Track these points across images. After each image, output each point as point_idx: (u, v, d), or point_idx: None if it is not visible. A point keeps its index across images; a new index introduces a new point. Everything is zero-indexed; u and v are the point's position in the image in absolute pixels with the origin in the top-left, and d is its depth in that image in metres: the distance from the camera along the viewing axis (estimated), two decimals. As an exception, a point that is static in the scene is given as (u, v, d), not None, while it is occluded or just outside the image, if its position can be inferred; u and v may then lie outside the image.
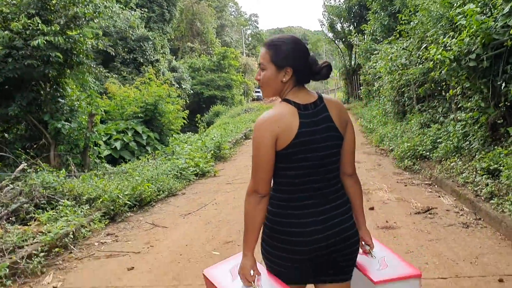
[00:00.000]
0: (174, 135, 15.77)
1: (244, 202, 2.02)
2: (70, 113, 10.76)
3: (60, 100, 10.73)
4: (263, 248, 2.10)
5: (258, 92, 58.47)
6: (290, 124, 1.94)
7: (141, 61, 27.32)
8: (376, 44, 17.63)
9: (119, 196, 6.62)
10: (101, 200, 6.45)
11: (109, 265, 4.68)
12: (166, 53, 33.43)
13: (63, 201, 6.11)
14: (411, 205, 6.13)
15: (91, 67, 11.03)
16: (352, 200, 2.16)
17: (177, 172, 8.93)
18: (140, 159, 13.04)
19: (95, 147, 11.42)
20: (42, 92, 10.54)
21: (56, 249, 5.06)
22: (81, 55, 10.39)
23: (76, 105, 10.95)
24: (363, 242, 2.24)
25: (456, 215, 5.56)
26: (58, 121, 10.28)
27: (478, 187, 5.92)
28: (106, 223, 6.15)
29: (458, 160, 7.35)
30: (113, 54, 25.30)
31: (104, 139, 13.76)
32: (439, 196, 6.49)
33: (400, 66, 11.61)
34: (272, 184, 2.03)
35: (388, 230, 5.17)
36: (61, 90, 10.84)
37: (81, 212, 6.09)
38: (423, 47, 8.54)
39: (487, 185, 5.81)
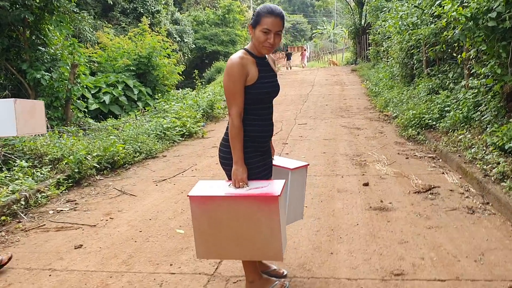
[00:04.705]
0: (168, 91, 15.00)
1: None
2: (51, 62, 10.00)
3: (41, 48, 9.96)
4: None
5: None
6: None
7: (141, 11, 26.14)
8: (387, 1, 16.49)
9: (87, 157, 5.96)
10: (65, 161, 5.79)
11: (56, 240, 4.07)
12: (170, 4, 32.11)
13: (19, 161, 5.45)
14: (411, 182, 5.45)
15: (74, 13, 10.14)
16: None
17: (160, 132, 8.25)
18: (130, 115, 12.40)
19: (78, 100, 10.69)
20: (21, 38, 9.75)
21: (2, 218, 4.46)
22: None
23: (59, 54, 10.18)
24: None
25: (461, 197, 4.87)
26: (38, 70, 9.56)
27: (488, 166, 5.20)
28: (64, 188, 5.50)
29: (467, 132, 6.60)
30: (112, 2, 24.45)
31: (92, 92, 13.05)
32: (443, 173, 5.79)
33: (410, 26, 10.66)
34: None
35: (382, 212, 4.50)
36: (42, 37, 10.04)
37: (41, 174, 5.46)
38: (436, 3, 7.62)
39: (498, 163, 5.09)
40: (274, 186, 2.65)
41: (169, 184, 5.78)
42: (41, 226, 4.41)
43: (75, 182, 5.77)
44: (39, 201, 4.99)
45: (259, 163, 2.80)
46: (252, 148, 2.76)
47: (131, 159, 6.80)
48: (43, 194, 5.09)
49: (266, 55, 2.80)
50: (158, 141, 7.94)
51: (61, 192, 5.37)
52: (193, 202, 2.67)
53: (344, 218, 4.38)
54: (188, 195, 2.69)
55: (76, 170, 5.74)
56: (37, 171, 5.51)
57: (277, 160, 3.24)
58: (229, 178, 2.77)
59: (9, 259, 3.54)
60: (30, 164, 5.69)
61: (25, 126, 3.15)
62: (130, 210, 4.83)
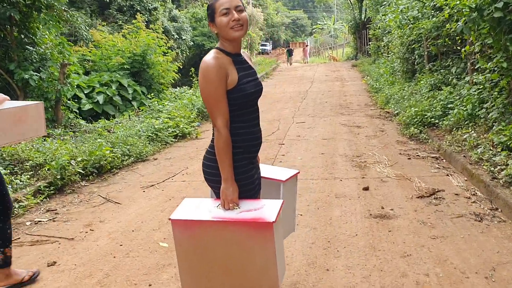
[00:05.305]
0: (164, 90, 14.66)
1: None
2: (40, 62, 9.66)
3: (29, 47, 9.62)
4: None
5: (264, 45, 56.53)
6: None
7: (138, 8, 25.77)
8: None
9: (70, 162, 5.64)
10: (47, 167, 5.48)
11: (29, 257, 3.75)
12: (167, 1, 31.71)
13: (-4, 168, 5.13)
14: (414, 185, 5.12)
15: (64, 10, 9.80)
16: None
17: (152, 133, 7.91)
18: (124, 115, 12.08)
19: (69, 101, 10.35)
20: (8, 37, 9.41)
21: (-26, 231, 4.13)
22: (50, -4, 9.19)
23: (48, 53, 9.84)
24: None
25: (467, 202, 4.54)
26: (26, 71, 9.21)
27: (495, 168, 4.88)
28: (45, 196, 5.16)
29: (472, 131, 6.27)
30: (108, 0, 24.11)
31: (86, 91, 12.70)
32: (448, 175, 5.46)
33: (411, 20, 10.30)
34: None
35: (383, 220, 4.18)
36: (30, 36, 9.70)
37: (20, 182, 5.14)
38: (438, -5, 7.27)
39: (507, 165, 4.77)
40: (269, 209, 2.29)
41: (157, 190, 5.45)
42: (15, 239, 4.09)
43: (58, 189, 5.44)
44: (15, 212, 4.66)
45: (253, 178, 2.43)
46: (247, 161, 2.38)
47: (119, 163, 6.46)
48: (20, 204, 4.76)
49: (242, 53, 2.43)
50: (149, 143, 7.60)
51: (41, 201, 5.05)
52: (176, 226, 2.32)
53: (342, 227, 4.05)
54: (169, 219, 2.33)
55: (59, 177, 5.41)
56: (16, 179, 5.19)
57: (263, 171, 2.89)
58: (217, 197, 2.41)
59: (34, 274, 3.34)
60: (10, 170, 5.38)
61: (7, 135, 2.87)
62: (113, 220, 4.50)
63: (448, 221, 4.07)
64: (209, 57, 2.25)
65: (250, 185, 2.40)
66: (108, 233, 4.17)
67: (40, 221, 4.56)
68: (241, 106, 2.32)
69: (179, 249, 2.35)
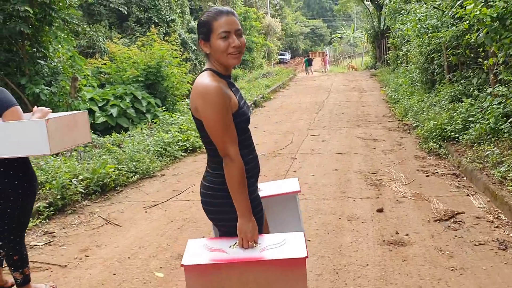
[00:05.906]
0: (178, 101, 14.55)
1: None
2: (51, 76, 9.60)
3: (40, 61, 9.57)
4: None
5: (283, 55, 56.48)
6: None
7: (156, 20, 25.89)
8: (405, 3, 15.74)
9: (72, 181, 5.45)
10: (48, 187, 5.30)
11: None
12: (186, 13, 31.82)
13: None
14: (432, 206, 4.78)
15: (75, 24, 9.75)
16: None
17: (160, 148, 7.72)
18: (137, 127, 11.95)
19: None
20: (20, 51, 9.39)
21: (-35, 256, 3.95)
22: (61, 10, 9.14)
23: (60, 67, 9.78)
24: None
25: (490, 226, 4.19)
26: (37, 85, 9.16)
27: (521, 189, 4.52)
28: (44, 217, 4.97)
29: (495, 146, 5.89)
30: (126, 12, 24.28)
31: (100, 104, 12.65)
32: (468, 195, 5.10)
33: (430, 28, 9.95)
34: None
35: (397, 247, 3.86)
36: (42, 50, 9.66)
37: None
38: (457, 3, 6.93)
39: (534, 186, 4.41)
40: (294, 243, 2.02)
41: (160, 211, 5.22)
42: (5, 267, 3.89)
43: (58, 209, 5.25)
44: (11, 235, 4.48)
45: (262, 208, 2.21)
46: (257, 191, 2.19)
47: (124, 180, 6.26)
48: (17, 226, 4.57)
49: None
50: (157, 158, 7.40)
51: (40, 222, 4.87)
52: (190, 273, 1.98)
53: (353, 256, 3.75)
54: (182, 265, 1.99)
55: (59, 197, 5.23)
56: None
57: (268, 189, 2.66)
58: (224, 235, 2.15)
59: None
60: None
61: (62, 142, 2.99)
62: (110, 245, 4.28)
63: (469, 249, 3.74)
64: (208, 80, 2.00)
65: (262, 218, 2.19)
66: (103, 260, 3.94)
67: (36, 245, 4.37)
68: (242, 131, 2.11)
69: None
